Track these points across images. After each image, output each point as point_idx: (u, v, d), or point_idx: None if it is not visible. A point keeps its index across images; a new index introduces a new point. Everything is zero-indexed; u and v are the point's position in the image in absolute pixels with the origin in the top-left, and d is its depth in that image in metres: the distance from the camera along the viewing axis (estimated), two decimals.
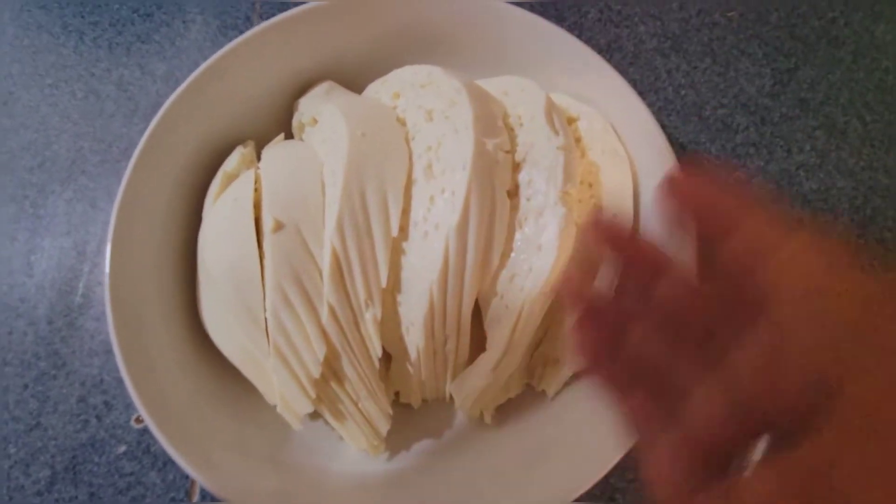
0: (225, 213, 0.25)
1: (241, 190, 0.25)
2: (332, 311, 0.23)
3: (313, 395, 0.23)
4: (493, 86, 0.27)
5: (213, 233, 0.25)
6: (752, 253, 0.11)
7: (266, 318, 0.23)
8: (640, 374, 0.13)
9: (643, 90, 0.36)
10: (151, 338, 0.25)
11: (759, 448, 0.11)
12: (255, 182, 0.25)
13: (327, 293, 0.23)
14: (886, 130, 0.35)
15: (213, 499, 0.28)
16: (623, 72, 0.27)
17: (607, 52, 0.37)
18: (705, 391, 0.11)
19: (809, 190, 0.34)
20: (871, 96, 0.35)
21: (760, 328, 0.11)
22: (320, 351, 0.23)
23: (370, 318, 0.23)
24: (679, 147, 0.35)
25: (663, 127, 0.34)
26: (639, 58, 0.37)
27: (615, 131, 0.27)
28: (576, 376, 0.26)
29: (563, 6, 0.38)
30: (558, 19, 0.38)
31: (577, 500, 0.23)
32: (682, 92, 0.36)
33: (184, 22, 0.38)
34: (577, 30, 0.38)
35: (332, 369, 0.24)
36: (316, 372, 0.23)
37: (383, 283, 0.23)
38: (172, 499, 0.28)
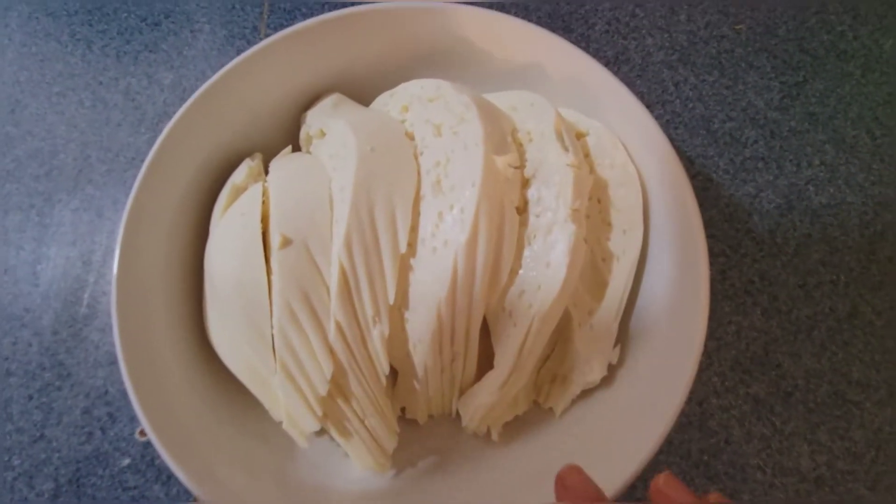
0: (232, 227, 0.25)
1: (249, 204, 0.25)
2: (339, 327, 0.23)
3: (320, 413, 0.23)
4: (501, 100, 0.27)
5: (221, 247, 0.25)
6: None
7: (273, 335, 0.23)
8: None
9: (651, 102, 0.36)
10: (157, 350, 0.25)
11: None
12: (263, 195, 0.25)
13: (334, 310, 0.23)
14: None
15: None
16: (630, 84, 0.27)
17: (615, 64, 0.37)
18: None
19: (819, 205, 0.33)
20: (880, 110, 0.35)
21: None
22: (327, 369, 0.23)
23: (377, 335, 0.23)
24: (687, 160, 0.35)
25: (671, 140, 0.34)
26: (646, 70, 0.37)
27: (624, 147, 0.27)
28: (583, 394, 0.26)
29: (571, 19, 0.38)
30: (566, 31, 0.38)
31: None
32: (690, 105, 0.36)
33: (191, 31, 0.38)
34: (585, 42, 0.38)
35: (338, 386, 0.23)
36: (323, 390, 0.23)
37: (391, 300, 0.23)
38: None
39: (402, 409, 0.27)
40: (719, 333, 0.31)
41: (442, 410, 0.27)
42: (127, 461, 0.29)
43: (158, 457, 0.29)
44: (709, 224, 0.33)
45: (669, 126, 0.35)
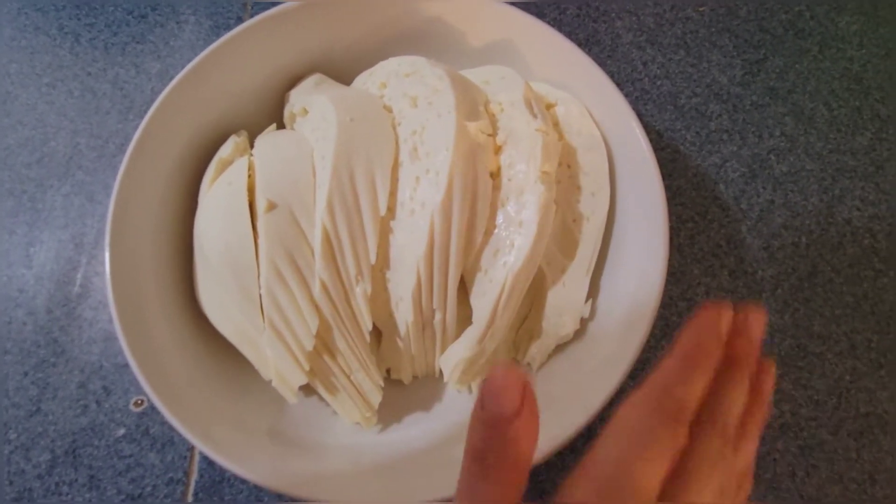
0: (220, 196, 0.26)
1: (236, 174, 0.26)
2: (323, 286, 0.24)
3: (307, 368, 0.24)
4: (475, 75, 0.29)
5: (209, 216, 0.26)
6: None
7: (260, 296, 0.24)
8: None
9: (621, 81, 0.38)
10: (152, 321, 0.26)
11: None
12: (249, 168, 0.26)
13: (319, 269, 0.24)
14: (851, 115, 0.36)
15: (207, 496, 0.28)
16: (601, 64, 0.28)
17: (586, 46, 0.39)
18: None
19: (780, 172, 0.35)
20: (836, 84, 0.37)
21: None
22: (313, 324, 0.24)
23: (360, 293, 0.24)
24: (656, 134, 0.37)
25: (641, 116, 0.36)
26: (616, 51, 0.38)
27: (591, 116, 0.29)
28: (558, 348, 0.27)
29: (543, 4, 0.40)
30: (538, 16, 0.40)
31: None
32: (658, 82, 0.38)
33: (177, 22, 0.39)
34: (557, 26, 0.39)
35: (324, 343, 0.25)
36: (309, 344, 0.24)
37: (372, 260, 0.24)
38: (171, 479, 0.29)
39: (388, 372, 0.28)
40: (690, 294, 0.32)
41: (426, 371, 0.28)
42: (122, 431, 0.30)
43: (153, 425, 0.30)
44: (678, 193, 0.35)
45: (639, 102, 0.37)
